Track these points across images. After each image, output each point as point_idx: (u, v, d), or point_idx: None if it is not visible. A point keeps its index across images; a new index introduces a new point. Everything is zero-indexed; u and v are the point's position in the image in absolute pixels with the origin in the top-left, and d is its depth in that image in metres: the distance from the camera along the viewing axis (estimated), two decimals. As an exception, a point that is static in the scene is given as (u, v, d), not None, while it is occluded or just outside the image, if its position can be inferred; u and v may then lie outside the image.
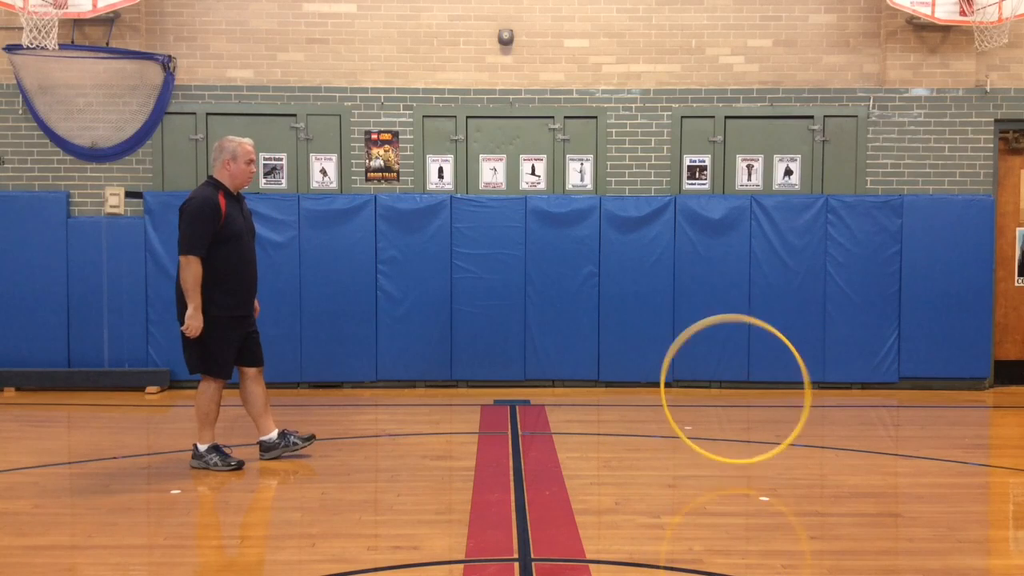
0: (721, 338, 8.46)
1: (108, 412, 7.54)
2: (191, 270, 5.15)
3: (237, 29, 8.67)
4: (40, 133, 8.46)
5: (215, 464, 5.36)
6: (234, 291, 5.34)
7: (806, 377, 5.39)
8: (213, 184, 5.37)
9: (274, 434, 5.65)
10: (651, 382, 8.52)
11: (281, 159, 8.64)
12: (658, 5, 8.72)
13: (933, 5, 8.19)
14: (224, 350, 5.35)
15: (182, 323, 5.27)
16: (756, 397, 8.23)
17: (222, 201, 5.27)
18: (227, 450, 5.49)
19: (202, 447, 5.42)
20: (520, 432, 6.54)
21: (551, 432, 6.54)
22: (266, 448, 5.63)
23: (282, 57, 8.69)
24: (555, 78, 8.73)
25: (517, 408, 7.52)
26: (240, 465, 5.40)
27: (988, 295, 8.56)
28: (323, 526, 4.32)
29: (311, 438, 5.79)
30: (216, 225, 5.21)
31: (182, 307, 5.26)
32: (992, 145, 8.67)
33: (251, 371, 5.57)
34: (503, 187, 8.72)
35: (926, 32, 8.57)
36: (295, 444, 5.67)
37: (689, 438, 5.56)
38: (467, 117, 8.66)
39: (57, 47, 7.78)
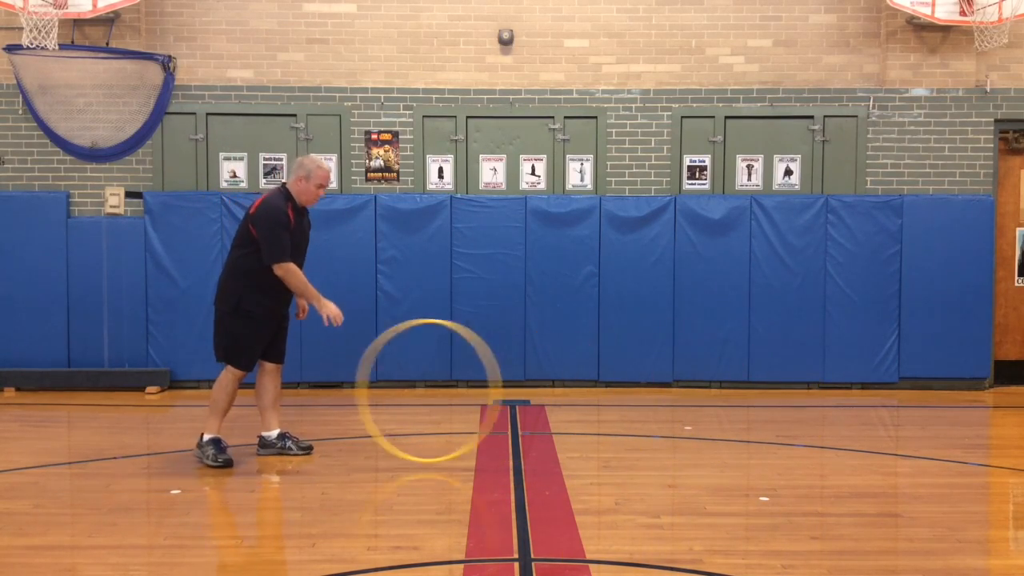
0: (721, 338, 8.47)
1: (108, 412, 7.54)
2: (293, 276, 5.40)
3: (237, 29, 8.67)
4: (40, 133, 8.45)
5: (209, 457, 5.42)
6: (270, 294, 5.49)
7: (493, 375, 5.47)
8: (284, 194, 5.56)
9: (274, 433, 5.78)
10: (651, 382, 8.53)
11: (281, 159, 8.63)
12: (658, 5, 8.72)
13: (933, 5, 8.18)
14: (251, 345, 5.53)
15: (221, 315, 5.51)
16: (756, 397, 8.22)
17: (291, 213, 5.47)
18: (225, 446, 5.53)
19: (206, 437, 5.49)
20: (520, 432, 6.55)
21: (551, 432, 6.54)
22: (263, 444, 5.78)
23: (282, 57, 8.69)
24: (555, 78, 8.73)
25: (517, 408, 7.53)
26: (228, 463, 5.42)
27: (988, 295, 8.56)
28: (323, 526, 4.32)
29: (309, 448, 5.82)
30: (289, 232, 5.43)
31: (225, 299, 5.49)
32: (992, 145, 8.67)
33: (269, 366, 5.73)
34: (503, 187, 8.71)
35: (926, 32, 8.57)
36: (289, 449, 5.76)
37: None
38: (467, 117, 8.66)
39: (57, 47, 7.77)
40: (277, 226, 5.37)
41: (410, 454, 5.50)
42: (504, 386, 8.49)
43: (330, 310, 5.42)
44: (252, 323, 5.47)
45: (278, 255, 5.36)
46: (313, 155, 5.71)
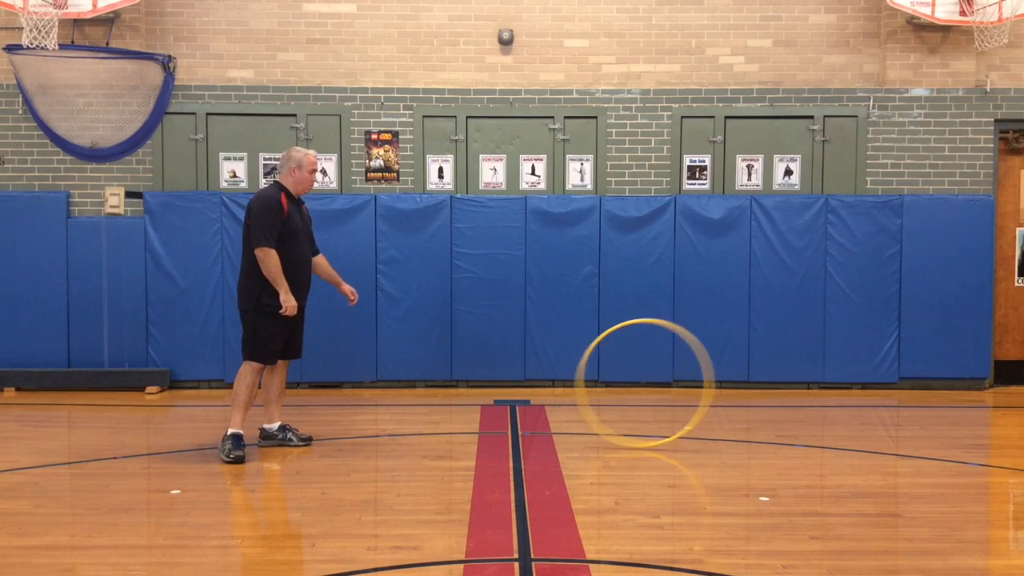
0: (721, 338, 8.46)
1: (108, 412, 7.53)
2: (270, 260, 5.58)
3: (237, 29, 8.67)
4: (40, 133, 8.45)
5: (225, 451, 5.56)
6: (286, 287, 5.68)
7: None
8: (277, 186, 5.83)
9: (276, 425, 6.01)
10: (651, 382, 8.53)
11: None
12: (658, 5, 8.72)
13: (933, 5, 8.19)
14: (272, 339, 5.71)
15: (244, 314, 5.70)
16: (756, 397, 8.22)
17: (284, 201, 5.72)
18: (243, 443, 5.63)
19: (229, 431, 5.63)
20: (520, 432, 6.54)
21: (551, 432, 6.54)
22: (264, 435, 6.02)
23: (282, 57, 8.68)
24: (555, 78, 8.72)
25: (517, 408, 7.52)
26: (239, 460, 5.52)
27: (988, 295, 8.56)
28: (323, 526, 4.32)
29: (308, 439, 6.09)
30: (280, 220, 5.65)
31: (245, 298, 5.69)
32: (992, 145, 8.66)
33: (281, 361, 5.98)
34: (503, 187, 8.71)
35: (926, 32, 8.57)
36: (290, 440, 6.01)
37: (685, 436, 5.55)
38: (467, 117, 8.66)
39: (57, 47, 7.78)
40: (267, 211, 5.61)
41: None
42: (504, 386, 8.52)
43: (288, 305, 5.59)
44: (273, 318, 5.65)
45: (261, 239, 5.57)
46: (296, 146, 6.21)
